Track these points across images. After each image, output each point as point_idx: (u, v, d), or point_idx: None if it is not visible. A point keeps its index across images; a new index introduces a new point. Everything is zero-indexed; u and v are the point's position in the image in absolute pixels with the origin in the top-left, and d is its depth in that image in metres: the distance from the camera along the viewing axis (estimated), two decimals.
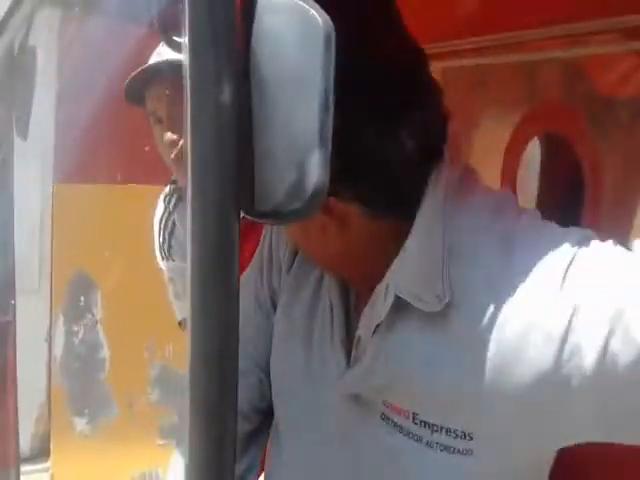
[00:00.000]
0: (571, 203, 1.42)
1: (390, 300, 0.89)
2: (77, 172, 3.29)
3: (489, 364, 0.83)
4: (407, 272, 0.88)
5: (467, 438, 0.87)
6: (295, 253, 1.11)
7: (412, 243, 0.88)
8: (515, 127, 1.52)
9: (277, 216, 0.63)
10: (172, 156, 1.77)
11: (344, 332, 1.00)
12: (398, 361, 0.91)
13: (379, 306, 0.91)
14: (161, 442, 3.28)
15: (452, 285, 0.85)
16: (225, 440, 0.61)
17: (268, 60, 0.63)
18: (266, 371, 1.17)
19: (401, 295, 0.88)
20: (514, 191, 1.52)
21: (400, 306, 0.89)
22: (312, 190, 0.61)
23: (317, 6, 0.63)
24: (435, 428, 0.89)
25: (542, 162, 1.54)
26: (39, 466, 4.07)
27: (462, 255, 0.86)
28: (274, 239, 1.17)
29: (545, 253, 0.82)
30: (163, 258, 1.96)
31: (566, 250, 0.82)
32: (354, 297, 1.02)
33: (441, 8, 1.57)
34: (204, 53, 0.62)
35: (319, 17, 0.62)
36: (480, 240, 0.87)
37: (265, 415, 1.19)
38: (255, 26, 0.64)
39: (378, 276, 0.91)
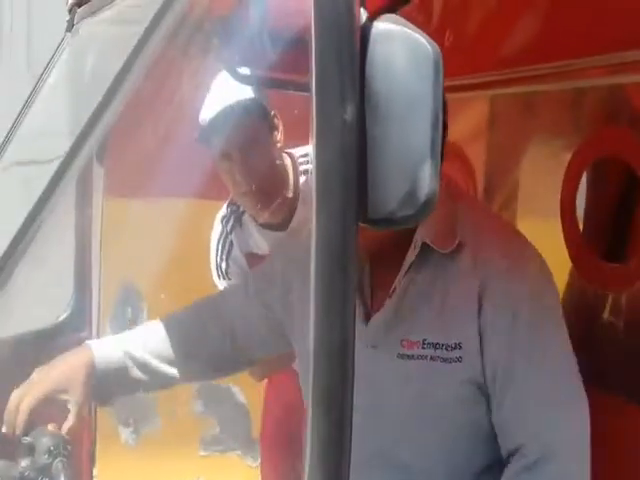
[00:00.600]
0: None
1: (418, 247, 1.23)
2: (127, 187, 3.41)
3: (480, 289, 1.21)
4: (430, 226, 1.23)
5: (458, 348, 1.22)
6: None
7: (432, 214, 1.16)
8: (574, 152, 1.58)
9: (389, 223, 0.71)
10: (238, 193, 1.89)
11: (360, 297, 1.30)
12: (421, 295, 1.25)
13: (410, 254, 1.24)
14: (203, 453, 3.35)
15: (461, 232, 1.25)
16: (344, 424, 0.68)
17: (382, 83, 0.71)
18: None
19: (427, 241, 1.23)
20: (573, 215, 1.59)
21: (424, 252, 1.24)
22: (425, 198, 0.69)
23: (425, 35, 0.71)
24: (438, 345, 1.23)
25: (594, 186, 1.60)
26: None
27: (460, 220, 1.26)
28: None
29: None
30: (220, 277, 2.04)
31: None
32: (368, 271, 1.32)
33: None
34: (329, 77, 0.70)
35: (428, 44, 0.71)
36: (475, 213, 1.31)
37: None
38: (370, 53, 0.72)
39: (406, 236, 1.25)
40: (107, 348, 1.45)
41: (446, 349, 1.23)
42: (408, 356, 1.25)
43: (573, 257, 1.58)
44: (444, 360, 1.23)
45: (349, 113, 0.69)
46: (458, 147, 1.97)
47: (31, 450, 1.30)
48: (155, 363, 1.47)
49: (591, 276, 1.56)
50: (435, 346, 1.24)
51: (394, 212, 0.70)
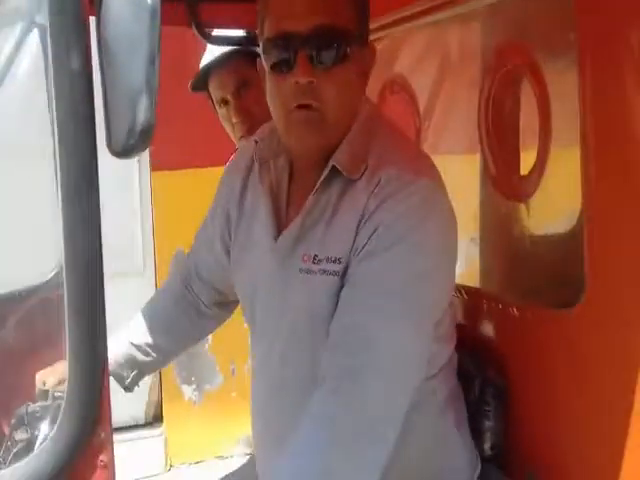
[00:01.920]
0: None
1: (328, 169, 1.32)
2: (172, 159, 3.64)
3: (365, 207, 1.29)
4: (345, 153, 1.33)
5: (337, 262, 1.31)
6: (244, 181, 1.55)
7: (351, 137, 1.35)
8: (483, 72, 1.62)
9: (124, 154, 0.82)
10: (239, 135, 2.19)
11: (272, 214, 1.43)
12: (322, 213, 1.34)
13: (323, 173, 1.33)
14: None
15: (370, 159, 1.33)
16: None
17: (109, 31, 0.82)
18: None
19: (337, 165, 1.32)
20: (489, 132, 1.64)
21: (334, 175, 1.33)
22: (141, 128, 0.80)
23: None
24: (324, 260, 1.33)
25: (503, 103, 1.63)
26: (155, 431, 4.39)
27: (373, 151, 1.34)
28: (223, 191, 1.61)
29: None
30: None
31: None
32: (285, 191, 1.44)
33: None
34: (58, 30, 0.81)
35: None
36: (383, 147, 1.35)
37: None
38: (104, 7, 0.83)
39: (324, 162, 1.34)
40: (114, 345, 1.67)
41: (328, 262, 1.33)
42: (306, 270, 1.36)
43: (487, 169, 1.63)
44: (326, 273, 1.32)
45: (76, 61, 0.81)
46: (402, 78, 2.02)
47: (45, 395, 1.49)
48: (152, 344, 1.73)
49: (503, 188, 1.61)
50: (321, 260, 1.34)
51: (124, 143, 0.81)
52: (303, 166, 1.43)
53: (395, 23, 1.96)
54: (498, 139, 1.63)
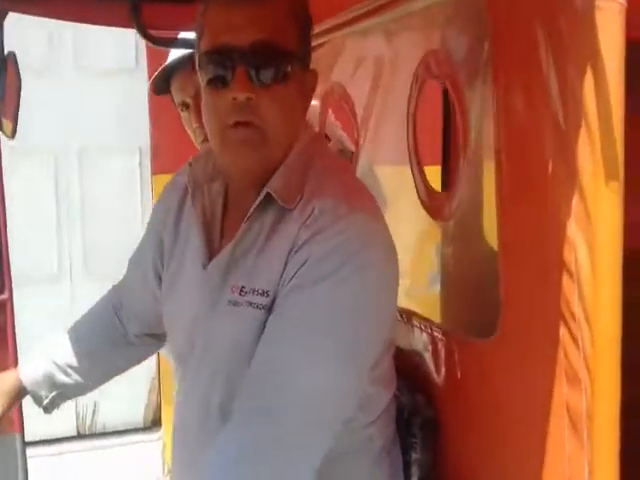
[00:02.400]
0: None
1: (262, 195, 1.26)
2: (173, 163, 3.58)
3: (295, 239, 1.22)
4: (281, 180, 1.27)
5: (265, 295, 1.24)
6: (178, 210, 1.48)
7: (288, 163, 1.28)
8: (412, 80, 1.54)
9: None
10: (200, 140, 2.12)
11: (204, 242, 1.36)
12: (253, 242, 1.28)
13: (257, 200, 1.26)
14: None
15: (307, 189, 1.26)
16: None
17: None
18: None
19: (272, 192, 1.25)
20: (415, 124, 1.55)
21: (268, 202, 1.26)
22: None
23: None
24: (251, 292, 1.26)
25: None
26: (153, 435, 4.37)
27: (310, 180, 1.27)
28: (159, 211, 1.54)
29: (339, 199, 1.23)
30: None
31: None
32: (219, 217, 1.38)
33: None
34: None
35: None
36: (321, 178, 1.28)
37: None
38: None
39: (260, 188, 1.28)
40: (34, 362, 1.67)
41: (254, 294, 1.26)
42: (233, 302, 1.28)
43: (416, 186, 1.54)
44: (253, 305, 1.25)
45: None
46: (341, 86, 1.93)
47: None
48: (74, 366, 1.66)
49: (428, 206, 1.51)
50: (248, 292, 1.26)
51: None
52: (238, 191, 1.36)
53: (333, 29, 1.87)
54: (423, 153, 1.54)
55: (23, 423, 2.23)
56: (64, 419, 4.56)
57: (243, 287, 1.27)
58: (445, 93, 1.61)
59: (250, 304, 1.25)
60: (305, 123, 1.36)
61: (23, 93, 4.43)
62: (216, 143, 1.29)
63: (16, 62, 2.13)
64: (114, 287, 1.78)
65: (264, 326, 1.22)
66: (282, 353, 1.17)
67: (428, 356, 1.51)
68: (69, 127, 4.60)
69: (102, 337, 1.72)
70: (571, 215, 1.04)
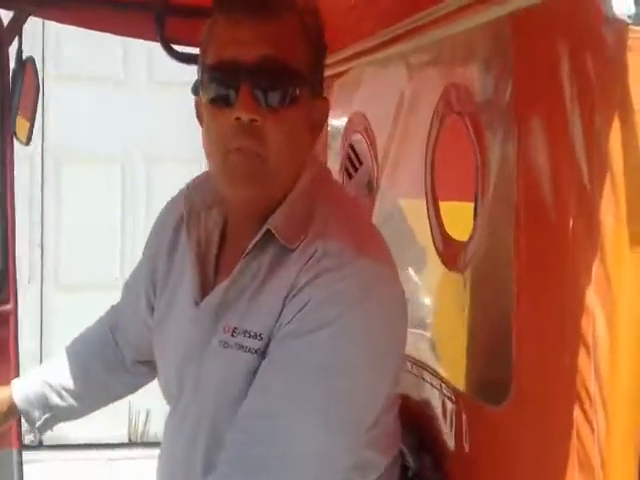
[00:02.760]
0: None
1: (261, 233, 1.16)
2: None
3: (294, 281, 1.13)
4: (284, 216, 1.17)
5: (258, 338, 1.15)
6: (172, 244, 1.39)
7: (293, 198, 1.19)
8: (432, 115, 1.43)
9: None
10: None
11: (197, 276, 1.27)
12: (251, 281, 1.18)
13: (256, 237, 1.17)
14: None
15: (312, 228, 1.16)
16: None
17: None
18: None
19: (273, 230, 1.15)
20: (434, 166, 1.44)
21: (268, 240, 1.17)
22: None
23: None
24: (244, 333, 1.17)
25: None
26: None
27: (315, 219, 1.17)
28: (154, 236, 1.44)
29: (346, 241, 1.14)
30: None
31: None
32: (214, 250, 1.29)
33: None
34: None
35: None
36: (327, 217, 1.18)
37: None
38: None
39: (260, 222, 1.19)
40: (28, 381, 1.61)
41: (246, 336, 1.17)
42: (224, 343, 1.19)
43: (431, 230, 1.42)
44: (243, 349, 1.17)
45: None
46: (362, 115, 1.83)
47: None
48: (67, 389, 1.58)
49: (443, 253, 1.39)
50: (241, 334, 1.17)
51: None
52: (238, 222, 1.26)
53: (355, 57, 1.78)
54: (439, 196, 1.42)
55: (21, 439, 2.19)
56: (116, 425, 4.54)
57: (235, 328, 1.19)
58: None
59: (241, 347, 1.17)
60: (313, 154, 1.26)
61: (99, 104, 4.48)
62: (216, 168, 1.19)
63: (35, 66, 2.12)
64: (112, 307, 1.69)
65: (254, 372, 1.14)
66: (271, 405, 1.10)
67: (438, 414, 1.39)
68: (138, 137, 4.73)
69: (98, 359, 1.63)
70: (591, 280, 0.93)
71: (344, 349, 1.09)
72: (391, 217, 1.68)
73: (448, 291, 1.40)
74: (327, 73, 1.99)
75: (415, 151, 1.50)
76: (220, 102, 1.14)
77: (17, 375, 2.14)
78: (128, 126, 4.71)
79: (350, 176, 1.87)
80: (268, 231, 1.16)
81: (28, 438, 4.52)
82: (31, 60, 2.12)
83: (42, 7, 2.00)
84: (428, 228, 1.45)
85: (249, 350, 1.15)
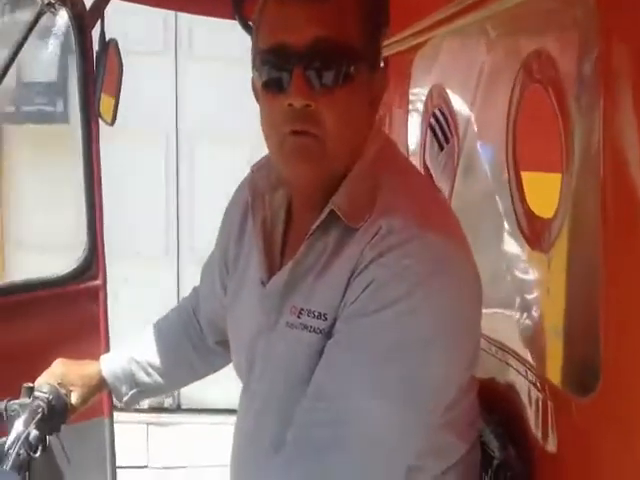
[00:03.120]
0: None
1: (325, 213, 1.14)
2: None
3: (358, 259, 1.11)
4: (347, 195, 1.15)
5: (323, 319, 1.14)
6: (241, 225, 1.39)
7: (355, 176, 1.16)
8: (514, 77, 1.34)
9: None
10: None
11: (264, 256, 1.27)
12: (316, 261, 1.17)
13: (319, 217, 1.16)
14: None
15: (377, 206, 1.13)
16: None
17: None
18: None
19: (336, 210, 1.14)
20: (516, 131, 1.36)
21: (331, 221, 1.15)
22: None
23: None
24: (310, 314, 1.16)
25: None
26: None
27: (380, 196, 1.15)
28: (225, 220, 1.46)
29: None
30: None
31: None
32: (280, 230, 1.28)
33: None
34: None
35: None
36: (392, 194, 1.15)
37: None
38: None
39: (324, 202, 1.17)
40: (116, 357, 1.67)
41: (310, 317, 1.17)
42: (289, 324, 1.20)
43: (513, 206, 1.35)
44: (308, 329, 1.17)
45: None
46: (441, 88, 1.75)
47: (29, 392, 1.51)
48: (154, 365, 1.64)
49: (526, 231, 1.31)
50: (305, 314, 1.17)
51: None
52: (302, 202, 1.25)
53: (431, 28, 1.70)
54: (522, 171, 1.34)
55: (112, 409, 2.26)
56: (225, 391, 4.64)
57: (301, 309, 1.18)
58: None
59: (305, 327, 1.17)
60: (376, 127, 1.23)
61: (137, 75, 4.57)
62: (273, 152, 1.19)
63: (118, 48, 2.16)
64: (194, 288, 1.72)
65: (320, 352, 1.13)
66: (338, 384, 1.08)
67: (524, 402, 1.32)
68: (181, 112, 4.70)
69: (182, 338, 1.68)
70: None
71: (411, 327, 1.06)
72: (472, 193, 1.61)
73: (531, 271, 1.32)
74: (409, 44, 1.95)
75: (496, 123, 1.42)
76: (273, 87, 1.13)
77: (107, 348, 2.23)
78: (172, 101, 4.69)
79: (441, 148, 1.80)
80: (332, 211, 1.14)
81: (167, 401, 4.73)
82: (114, 41, 2.14)
83: None
84: (510, 204, 1.37)
85: (314, 330, 1.15)
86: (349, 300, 1.11)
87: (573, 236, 1.18)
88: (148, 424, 4.59)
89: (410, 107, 1.99)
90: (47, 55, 4.18)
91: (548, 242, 1.23)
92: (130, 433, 4.17)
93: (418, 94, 1.92)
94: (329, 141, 1.12)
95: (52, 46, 4.03)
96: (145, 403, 4.45)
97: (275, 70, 1.12)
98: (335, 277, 1.14)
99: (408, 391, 1.06)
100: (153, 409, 4.60)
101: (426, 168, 1.88)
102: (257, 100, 1.22)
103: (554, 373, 1.26)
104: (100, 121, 2.16)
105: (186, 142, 4.77)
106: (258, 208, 1.29)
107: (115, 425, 2.28)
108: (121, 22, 4.14)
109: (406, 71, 2.00)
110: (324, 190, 1.17)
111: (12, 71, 2.03)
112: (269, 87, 1.14)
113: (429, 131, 1.84)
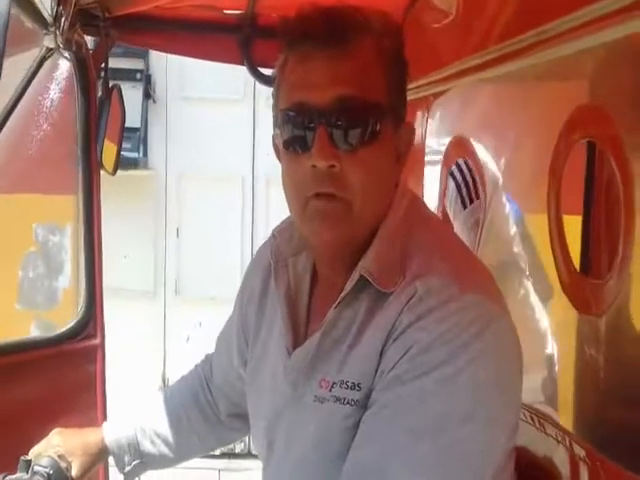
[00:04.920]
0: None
1: (355, 279, 1.08)
2: None
3: (394, 325, 1.05)
4: (376, 258, 1.09)
5: (357, 389, 1.08)
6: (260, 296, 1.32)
7: (383, 236, 1.11)
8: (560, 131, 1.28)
9: None
10: None
11: (289, 325, 1.20)
12: (346, 331, 1.10)
13: (347, 285, 1.10)
14: None
15: (409, 268, 1.07)
16: None
17: None
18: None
19: (366, 275, 1.08)
20: (559, 192, 1.29)
21: (361, 287, 1.09)
22: None
23: None
24: (340, 384, 1.09)
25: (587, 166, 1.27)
26: None
27: (412, 257, 1.09)
28: (245, 287, 1.38)
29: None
30: None
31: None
32: (306, 296, 1.22)
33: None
34: None
35: None
36: (424, 253, 1.09)
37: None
38: None
39: (351, 265, 1.11)
40: (120, 424, 1.55)
41: (343, 388, 1.10)
42: (320, 398, 1.12)
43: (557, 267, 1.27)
44: (340, 401, 1.09)
45: None
46: (466, 140, 1.69)
47: (27, 466, 1.40)
48: (160, 434, 1.54)
49: (573, 295, 1.24)
50: (337, 385, 1.10)
51: None
52: (328, 266, 1.18)
53: (459, 75, 1.65)
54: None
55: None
56: None
57: (333, 382, 1.10)
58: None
59: (338, 399, 1.10)
60: (402, 185, 1.17)
61: (216, 122, 4.49)
62: (296, 215, 1.13)
63: (121, 94, 2.11)
64: (207, 356, 1.63)
65: (355, 425, 1.07)
66: (377, 460, 1.01)
67: (566, 475, 1.24)
68: (257, 155, 4.72)
69: (193, 409, 1.58)
70: None
71: (454, 397, 1.00)
72: (502, 251, 1.54)
73: (578, 336, 1.24)
74: (425, 93, 1.90)
75: (535, 180, 1.35)
76: (295, 146, 1.08)
77: (104, 411, 2.11)
78: (248, 144, 4.74)
79: (465, 203, 1.73)
80: (361, 276, 1.08)
81: (238, 447, 4.59)
82: (117, 87, 2.08)
83: (127, 33, 1.96)
84: (552, 262, 1.30)
85: (347, 402, 1.09)
86: (386, 368, 1.05)
87: (629, 301, 1.11)
88: (220, 470, 4.57)
89: (427, 157, 1.93)
90: (126, 100, 4.34)
91: (599, 306, 1.15)
92: (202, 479, 4.22)
93: (437, 144, 1.86)
94: (355, 204, 1.07)
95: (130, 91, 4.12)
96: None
97: (298, 130, 1.07)
98: (369, 345, 1.08)
99: (451, 467, 1.00)
100: (224, 455, 4.55)
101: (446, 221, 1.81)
102: (279, 159, 1.16)
103: (603, 446, 1.18)
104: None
105: (262, 186, 4.81)
106: (281, 274, 1.23)
107: (187, 471, 2.14)
108: (201, 70, 4.32)
109: (422, 119, 1.95)
110: (351, 252, 1.12)
111: None
112: (291, 146, 1.09)
113: (451, 184, 1.77)
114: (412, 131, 1.17)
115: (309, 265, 1.22)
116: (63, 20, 1.54)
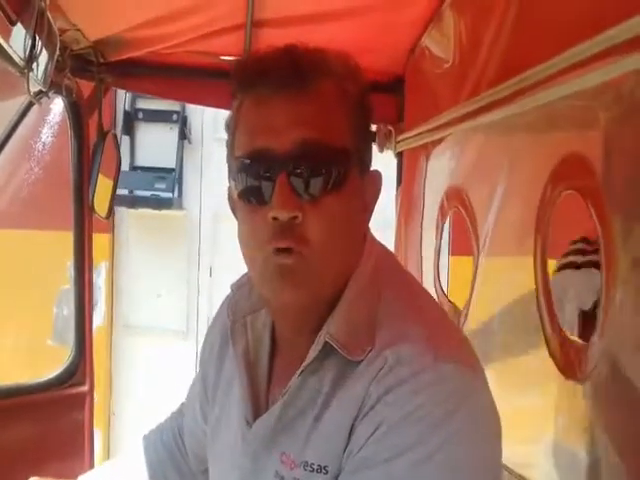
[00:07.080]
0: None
1: (320, 344, 0.97)
2: None
3: (363, 400, 0.94)
4: (342, 322, 0.98)
5: (323, 472, 0.97)
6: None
7: (350, 297, 1.00)
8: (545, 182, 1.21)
9: None
10: None
11: (247, 391, 1.09)
12: (310, 401, 1.00)
13: (311, 351, 0.99)
14: None
15: (378, 335, 0.96)
16: None
17: None
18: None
19: (331, 342, 0.97)
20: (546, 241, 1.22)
21: (326, 353, 0.98)
22: None
23: None
24: (303, 466, 0.98)
25: None
26: None
27: (381, 321, 0.98)
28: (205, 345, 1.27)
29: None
30: None
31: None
32: (266, 358, 1.11)
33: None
34: None
35: None
36: (396, 316, 0.99)
37: None
38: None
39: (316, 327, 1.00)
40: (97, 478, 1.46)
41: (307, 470, 0.98)
42: (281, 477, 1.01)
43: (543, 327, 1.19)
44: None
45: None
46: (460, 190, 1.62)
47: None
48: None
49: (557, 357, 1.15)
50: (303, 466, 0.98)
51: None
52: (289, 327, 1.06)
53: (452, 123, 1.59)
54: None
55: None
56: None
57: (294, 461, 0.99)
58: None
59: None
60: (370, 238, 1.06)
61: None
62: (255, 274, 1.01)
63: (117, 140, 2.11)
64: (181, 405, 1.51)
65: None
66: None
67: None
68: None
69: (169, 465, 1.47)
70: None
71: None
72: (495, 305, 1.46)
73: (564, 402, 1.16)
74: (425, 140, 1.84)
75: (522, 234, 1.28)
76: (253, 198, 0.98)
77: (91, 459, 2.07)
78: None
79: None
80: (327, 342, 0.97)
81: None
82: (112, 133, 2.06)
83: (121, 78, 1.95)
84: (538, 323, 1.22)
85: None
86: (355, 448, 0.94)
87: (614, 365, 1.02)
88: None
89: (426, 208, 1.87)
90: (163, 141, 4.38)
91: (583, 371, 1.07)
92: None
93: (433, 193, 1.80)
94: (317, 258, 0.96)
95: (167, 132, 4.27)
96: None
97: (255, 178, 0.97)
98: (335, 422, 0.97)
99: None
100: None
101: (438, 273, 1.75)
102: (233, 213, 1.06)
103: None
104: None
105: None
106: (239, 333, 1.12)
107: None
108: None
109: (423, 167, 1.89)
110: (314, 314, 1.01)
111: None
112: (248, 198, 0.98)
113: (446, 235, 1.70)
114: (379, 179, 1.07)
115: (268, 323, 1.12)
116: (47, 63, 1.52)
